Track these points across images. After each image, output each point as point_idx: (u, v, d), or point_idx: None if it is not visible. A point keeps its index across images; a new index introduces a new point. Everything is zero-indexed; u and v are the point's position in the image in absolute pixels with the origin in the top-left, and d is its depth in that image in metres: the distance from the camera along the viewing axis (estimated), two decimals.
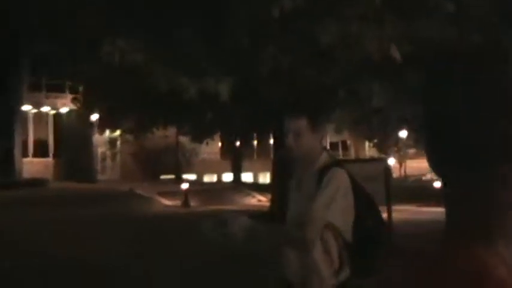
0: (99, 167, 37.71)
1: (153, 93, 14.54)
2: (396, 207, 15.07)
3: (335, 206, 3.39)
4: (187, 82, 12.14)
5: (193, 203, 26.75)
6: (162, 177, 37.73)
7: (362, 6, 8.56)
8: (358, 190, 3.55)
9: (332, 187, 3.43)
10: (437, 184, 29.49)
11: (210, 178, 43.21)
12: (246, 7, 9.53)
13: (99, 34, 11.25)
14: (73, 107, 31.10)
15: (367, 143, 54.23)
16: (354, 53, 9.51)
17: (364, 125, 22.91)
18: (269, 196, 24.79)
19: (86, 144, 35.72)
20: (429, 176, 46.54)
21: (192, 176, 39.43)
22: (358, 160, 26.37)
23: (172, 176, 37.06)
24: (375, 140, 46.94)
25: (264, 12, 8.90)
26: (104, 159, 38.77)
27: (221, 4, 10.20)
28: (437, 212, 17.47)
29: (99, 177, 36.16)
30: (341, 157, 44.24)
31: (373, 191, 9.24)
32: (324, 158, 3.63)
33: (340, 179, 3.47)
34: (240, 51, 11.37)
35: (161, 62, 11.81)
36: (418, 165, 53.48)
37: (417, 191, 30.40)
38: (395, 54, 8.59)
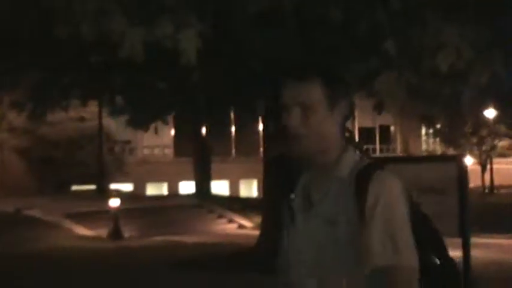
0: None
1: (66, 42, 11.79)
2: (476, 240, 12.55)
3: (401, 237, 2.43)
4: (125, 27, 10.86)
5: (128, 232, 19.46)
6: (75, 188, 27.93)
7: None
8: (414, 212, 2.54)
9: (390, 208, 2.47)
10: None
11: (157, 190, 32.07)
12: None
13: None
14: None
15: (423, 131, 41.64)
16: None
17: (420, 99, 16.99)
18: (257, 219, 19.65)
19: None
20: None
21: (127, 187, 29.27)
22: (411, 159, 18.67)
23: (91, 187, 27.28)
24: (439, 126, 35.74)
25: None
26: None
27: None
28: None
29: None
30: (379, 154, 35.19)
31: (439, 213, 6.05)
32: (352, 155, 2.62)
33: (396, 192, 2.48)
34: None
35: None
36: None
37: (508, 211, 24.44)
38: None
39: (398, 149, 42.20)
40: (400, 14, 12.18)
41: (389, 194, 2.46)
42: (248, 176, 32.02)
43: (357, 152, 2.61)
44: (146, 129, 18.22)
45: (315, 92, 2.50)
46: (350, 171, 2.52)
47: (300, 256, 2.57)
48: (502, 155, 40.40)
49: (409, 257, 2.36)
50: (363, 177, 2.48)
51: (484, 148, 37.35)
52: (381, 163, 2.62)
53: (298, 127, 2.50)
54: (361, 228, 2.38)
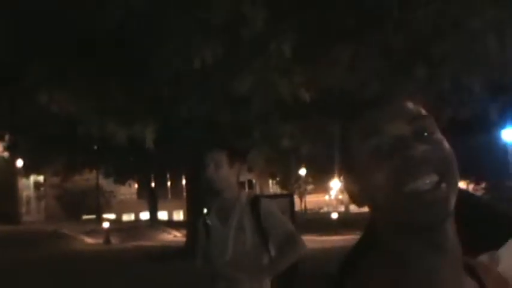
0: (24, 209, 36.86)
1: (83, 139, 14.24)
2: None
3: (289, 229, 3.62)
4: (116, 129, 12.12)
5: (114, 240, 26.75)
6: (85, 217, 37.51)
7: (274, 58, 9.22)
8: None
9: (279, 216, 3.61)
10: (335, 215, 32.86)
11: (128, 217, 43.34)
12: (169, 57, 9.69)
13: (35, 84, 11.23)
14: None
15: (270, 181, 55.47)
16: (267, 98, 10.00)
17: (272, 164, 22.60)
18: (184, 232, 24.83)
19: (11, 189, 34.95)
20: (326, 208, 48.54)
21: (112, 216, 39.32)
22: (267, 196, 27.76)
23: (93, 216, 36.88)
24: (278, 178, 48.80)
25: (186, 63, 9.32)
26: (28, 201, 37.91)
27: (145, 57, 10.30)
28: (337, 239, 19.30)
29: (25, 218, 35.17)
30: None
31: None
32: (245, 192, 3.76)
33: (275, 208, 3.66)
34: (163, 99, 11.50)
35: (93, 111, 11.75)
36: (316, 199, 56.07)
37: (316, 222, 31.41)
38: (304, 97, 9.43)
39: (258, 192, 55.14)
40: (262, 117, 12.40)
41: (272, 209, 3.48)
42: (177, 208, 42.18)
43: (248, 191, 3.70)
44: (124, 183, 26.56)
45: (223, 157, 3.49)
46: (246, 200, 3.51)
47: (219, 257, 3.36)
48: (310, 193, 55.52)
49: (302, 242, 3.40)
50: (255, 202, 3.46)
51: (300, 190, 52.59)
52: (260, 196, 3.78)
53: (214, 176, 3.50)
54: (258, 231, 3.30)
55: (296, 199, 48.17)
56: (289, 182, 48.53)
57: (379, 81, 10.01)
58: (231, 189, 3.62)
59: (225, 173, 3.58)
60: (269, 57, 9.43)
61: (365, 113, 1.16)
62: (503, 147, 19.89)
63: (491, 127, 17.31)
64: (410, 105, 1.17)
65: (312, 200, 56.48)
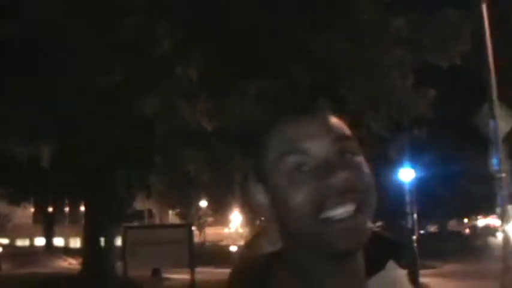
0: None
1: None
2: (198, 269, 15.42)
3: None
4: (17, 144, 11.57)
5: (5, 266, 25.60)
6: None
7: (179, 82, 8.95)
8: None
9: None
10: (234, 248, 32.94)
11: (22, 242, 41.85)
12: (73, 73, 9.40)
13: None
14: None
15: (170, 212, 54.84)
16: (171, 124, 9.70)
17: (172, 193, 22.57)
18: (79, 259, 23.96)
19: None
20: (225, 241, 48.91)
21: (5, 240, 37.93)
22: (164, 226, 27.63)
23: None
24: (178, 210, 48.65)
25: (91, 82, 9.02)
26: None
27: (51, 71, 9.94)
28: None
29: None
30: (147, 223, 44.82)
31: (177, 254, 12.20)
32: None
33: None
34: (65, 117, 11.06)
35: None
36: (216, 232, 56.77)
37: (215, 255, 31.83)
38: (207, 125, 9.06)
39: (158, 221, 55.17)
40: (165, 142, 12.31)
41: None
42: (74, 235, 40.27)
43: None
44: (19, 205, 24.78)
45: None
46: None
47: None
48: (210, 225, 56.22)
49: None
50: None
51: (200, 221, 52.36)
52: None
53: None
54: None
55: (196, 231, 48.38)
56: (189, 212, 48.44)
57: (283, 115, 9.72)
58: None
59: None
60: (175, 81, 9.26)
61: (286, 128, 1.10)
62: (400, 187, 20.45)
63: (389, 166, 17.69)
64: (335, 122, 1.10)
65: (212, 233, 56.73)
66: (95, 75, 9.10)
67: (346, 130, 1.11)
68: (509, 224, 13.16)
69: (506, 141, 13.39)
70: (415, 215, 21.02)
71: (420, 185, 21.98)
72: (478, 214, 57.31)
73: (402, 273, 1.35)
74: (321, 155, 1.05)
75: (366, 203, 1.05)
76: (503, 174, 12.89)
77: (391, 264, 1.42)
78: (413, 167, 20.55)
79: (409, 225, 20.87)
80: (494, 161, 12.99)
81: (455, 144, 26.18)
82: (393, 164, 18.37)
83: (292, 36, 9.69)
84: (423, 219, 35.15)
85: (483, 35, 13.10)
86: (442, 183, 27.62)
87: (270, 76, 10.10)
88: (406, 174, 20.54)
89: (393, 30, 10.26)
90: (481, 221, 64.62)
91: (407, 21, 10.46)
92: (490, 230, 45.71)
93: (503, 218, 13.25)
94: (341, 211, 1.02)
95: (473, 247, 35.00)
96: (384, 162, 15.35)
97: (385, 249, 1.45)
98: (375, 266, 1.32)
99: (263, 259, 1.17)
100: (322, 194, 1.02)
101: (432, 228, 47.26)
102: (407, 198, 20.92)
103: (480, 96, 13.64)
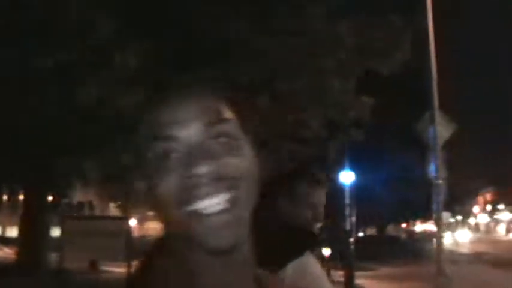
0: None
1: None
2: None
3: None
4: None
5: None
6: None
7: (118, 71, 8.88)
8: None
9: None
10: None
11: None
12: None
13: None
14: None
15: (111, 204, 54.23)
16: (109, 112, 9.46)
17: (111, 185, 22.93)
18: (16, 249, 22.83)
19: None
20: None
21: None
22: (102, 217, 27.09)
23: None
24: (119, 202, 48.06)
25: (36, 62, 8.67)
26: None
27: None
28: None
29: None
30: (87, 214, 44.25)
31: (114, 247, 12.25)
32: None
33: None
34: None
35: None
36: (158, 226, 56.91)
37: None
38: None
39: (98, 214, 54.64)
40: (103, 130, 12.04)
41: None
42: (13, 223, 40.83)
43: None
44: None
45: None
46: None
47: None
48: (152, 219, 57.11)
49: None
50: None
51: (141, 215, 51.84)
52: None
53: None
54: None
55: (136, 224, 48.00)
56: (128, 205, 47.99)
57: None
58: None
59: None
60: (113, 70, 9.15)
61: (156, 112, 1.01)
62: (340, 189, 20.68)
63: (329, 168, 17.84)
64: (211, 103, 1.01)
65: (154, 227, 56.68)
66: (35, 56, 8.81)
67: (224, 112, 1.01)
68: (444, 230, 13.43)
69: (445, 149, 13.65)
70: (353, 218, 21.30)
71: (360, 189, 22.28)
72: (416, 219, 58.66)
73: (313, 260, 1.34)
74: (191, 141, 0.97)
75: (242, 193, 0.96)
76: (440, 181, 13.13)
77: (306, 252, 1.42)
78: (353, 170, 20.81)
79: (347, 227, 21.09)
80: (432, 168, 13.20)
81: (397, 149, 26.63)
82: (334, 166, 18.54)
83: (232, 33, 9.60)
84: (362, 223, 35.69)
85: (427, 43, 13.42)
86: (381, 188, 28.02)
87: (210, 71, 9.45)
88: (346, 177, 20.77)
89: (336, 35, 10.31)
90: (419, 227, 66.17)
91: (350, 26, 10.52)
92: (426, 236, 46.71)
93: (438, 224, 13.51)
94: (210, 203, 0.94)
95: (409, 251, 35.61)
96: (324, 164, 15.43)
97: (302, 238, 1.48)
98: (293, 254, 1.34)
99: (154, 247, 1.13)
100: (189, 183, 0.94)
101: (370, 232, 48.00)
102: (347, 201, 21.12)
103: (424, 104, 13.86)
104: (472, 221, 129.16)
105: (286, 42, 9.90)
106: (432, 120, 13.19)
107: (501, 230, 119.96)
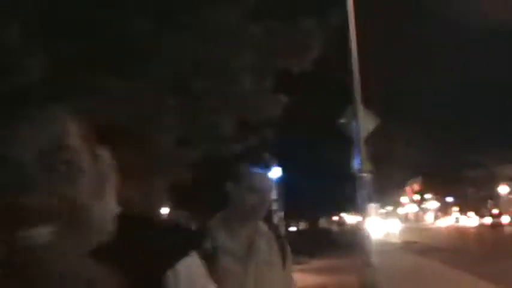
0: None
1: None
2: None
3: None
4: None
5: None
6: None
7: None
8: None
9: None
10: None
11: None
12: None
13: None
14: None
15: None
16: None
17: None
18: None
19: None
20: None
21: None
22: None
23: None
24: None
25: None
26: None
27: None
28: None
29: None
30: None
31: None
32: None
33: None
34: None
35: None
36: None
37: None
38: None
39: None
40: None
41: None
42: None
43: None
44: None
45: None
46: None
47: None
48: None
49: None
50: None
51: None
52: None
53: None
54: None
55: None
56: None
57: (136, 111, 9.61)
58: None
59: None
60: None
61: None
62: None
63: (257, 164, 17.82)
64: (59, 129, 0.95)
65: None
66: None
67: (72, 139, 0.98)
68: (369, 222, 13.65)
69: (369, 143, 13.85)
70: (281, 213, 21.41)
71: (290, 184, 22.39)
72: (346, 212, 59.76)
73: (196, 259, 1.38)
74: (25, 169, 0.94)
75: (74, 226, 0.94)
76: (364, 174, 13.32)
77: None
78: (280, 165, 20.85)
79: (275, 222, 21.20)
80: (356, 161, 13.38)
81: (325, 144, 26.92)
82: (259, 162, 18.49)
83: (144, 36, 9.37)
84: (294, 217, 35.96)
85: (347, 38, 13.61)
86: (310, 183, 28.28)
87: (127, 76, 9.63)
88: (273, 173, 20.65)
89: (247, 35, 10.32)
90: (350, 218, 67.36)
91: (262, 27, 10.55)
92: (356, 227, 47.55)
93: (363, 216, 13.72)
94: (37, 234, 0.90)
95: (341, 243, 36.17)
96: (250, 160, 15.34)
97: (187, 238, 1.48)
98: (180, 254, 1.32)
99: None
100: (15, 214, 0.91)
101: (303, 226, 48.55)
102: (274, 196, 21.11)
103: (347, 98, 14.01)
104: (401, 211, 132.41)
105: (195, 41, 9.84)
106: (354, 114, 13.38)
107: (429, 218, 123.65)
